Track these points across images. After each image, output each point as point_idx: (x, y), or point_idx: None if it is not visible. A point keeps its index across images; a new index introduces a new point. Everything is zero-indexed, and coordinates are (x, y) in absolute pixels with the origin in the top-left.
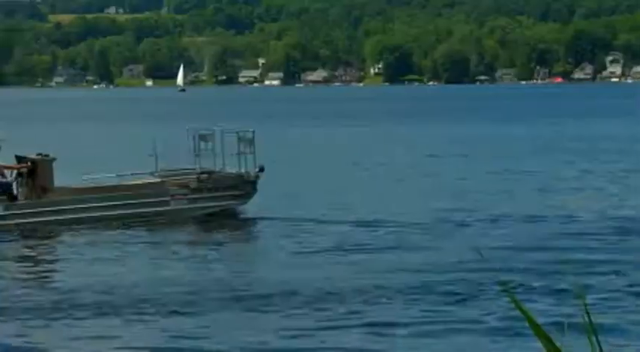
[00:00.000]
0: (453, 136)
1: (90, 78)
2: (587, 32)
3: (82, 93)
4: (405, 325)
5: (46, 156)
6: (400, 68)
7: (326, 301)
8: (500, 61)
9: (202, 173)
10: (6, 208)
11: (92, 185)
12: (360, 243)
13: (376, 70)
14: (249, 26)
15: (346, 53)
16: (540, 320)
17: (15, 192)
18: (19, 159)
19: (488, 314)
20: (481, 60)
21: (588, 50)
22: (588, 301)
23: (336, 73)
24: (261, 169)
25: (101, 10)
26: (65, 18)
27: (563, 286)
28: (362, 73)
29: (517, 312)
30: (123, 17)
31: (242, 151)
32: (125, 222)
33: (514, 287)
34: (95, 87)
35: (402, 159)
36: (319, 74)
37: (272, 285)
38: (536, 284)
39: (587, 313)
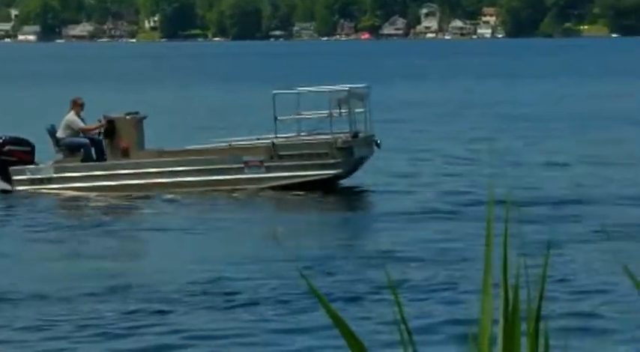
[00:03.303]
0: (234, 101)
1: None
2: None
3: None
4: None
5: (135, 113)
6: (180, 21)
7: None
8: (298, 13)
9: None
10: (57, 171)
11: (177, 149)
12: None
13: (152, 24)
14: None
15: (116, 3)
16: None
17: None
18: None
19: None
20: (275, 12)
21: (399, 1)
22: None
23: (104, 27)
24: (355, 135)
25: None
26: None
27: (371, 275)
28: (135, 27)
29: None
30: None
31: (334, 114)
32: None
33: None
34: None
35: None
36: (83, 28)
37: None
38: (338, 273)
39: (398, 305)
